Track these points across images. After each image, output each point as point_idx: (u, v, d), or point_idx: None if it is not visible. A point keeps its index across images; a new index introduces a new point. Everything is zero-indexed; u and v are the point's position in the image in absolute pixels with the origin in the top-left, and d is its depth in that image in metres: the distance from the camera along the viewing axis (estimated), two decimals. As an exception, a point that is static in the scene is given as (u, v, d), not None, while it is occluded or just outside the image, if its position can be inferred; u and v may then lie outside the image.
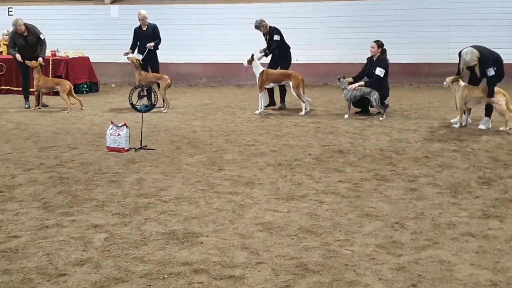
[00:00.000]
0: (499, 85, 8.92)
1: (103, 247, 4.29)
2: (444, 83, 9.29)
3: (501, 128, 8.46)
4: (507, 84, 12.16)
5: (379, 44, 10.23)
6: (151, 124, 9.50)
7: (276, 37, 11.12)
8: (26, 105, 11.61)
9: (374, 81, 10.04)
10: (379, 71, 10.01)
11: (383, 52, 10.27)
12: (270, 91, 11.37)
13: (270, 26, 11.23)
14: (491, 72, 8.63)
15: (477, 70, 8.81)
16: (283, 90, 11.17)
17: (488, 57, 8.69)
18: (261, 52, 11.28)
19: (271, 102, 11.46)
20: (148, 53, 11.55)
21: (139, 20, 11.65)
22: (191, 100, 12.84)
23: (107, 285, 3.68)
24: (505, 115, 8.54)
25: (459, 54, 8.94)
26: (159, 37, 11.72)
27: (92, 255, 4.13)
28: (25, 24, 11.25)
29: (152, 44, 11.48)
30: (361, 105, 10.43)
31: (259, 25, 11.19)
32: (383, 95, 10.21)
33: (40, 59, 11.34)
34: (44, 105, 11.73)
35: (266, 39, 11.35)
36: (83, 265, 3.96)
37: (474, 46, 8.77)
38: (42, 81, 11.34)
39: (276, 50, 11.20)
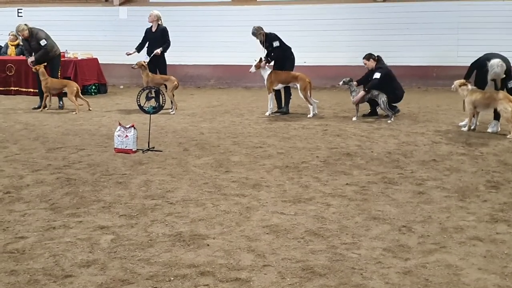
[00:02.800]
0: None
1: (110, 249, 4.29)
2: (452, 86, 9.27)
3: (508, 136, 8.41)
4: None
5: (367, 57, 10.32)
6: (158, 125, 9.51)
7: (276, 43, 10.91)
8: (38, 105, 11.65)
9: (372, 85, 10.04)
10: (375, 75, 10.09)
11: (378, 60, 10.31)
12: (279, 97, 11.28)
13: (266, 33, 10.99)
14: (511, 83, 8.80)
15: (498, 82, 8.85)
16: (288, 94, 11.10)
17: (510, 70, 8.76)
18: (264, 60, 11.06)
19: (280, 107, 11.39)
20: (155, 56, 11.52)
21: (150, 21, 11.64)
22: (199, 102, 12.86)
23: (113, 286, 3.68)
24: (510, 123, 8.47)
25: (478, 62, 8.89)
26: (167, 41, 11.62)
27: (98, 257, 4.14)
28: (30, 29, 11.28)
29: (158, 50, 11.44)
30: (371, 105, 10.46)
31: (257, 32, 10.92)
32: (398, 96, 10.20)
33: (31, 58, 11.44)
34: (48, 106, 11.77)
35: (264, 46, 11.11)
36: (89, 267, 3.96)
37: (495, 55, 8.76)
38: (50, 82, 11.38)
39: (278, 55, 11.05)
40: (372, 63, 10.31)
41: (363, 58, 10.47)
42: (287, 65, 11.03)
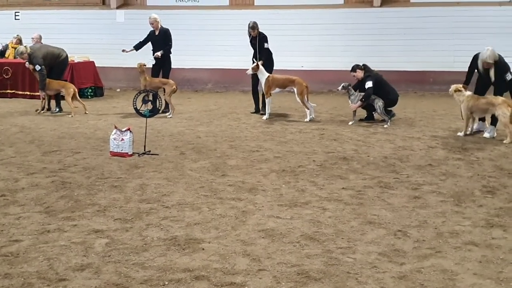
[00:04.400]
0: (506, 95, 8.96)
1: (104, 253, 4.27)
2: (450, 90, 9.27)
3: (504, 141, 8.42)
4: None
5: (354, 68, 10.43)
6: (155, 129, 9.49)
7: (266, 45, 11.21)
8: (57, 109, 11.75)
9: (367, 95, 10.07)
10: (367, 84, 10.11)
11: (365, 69, 10.35)
12: (257, 98, 11.56)
13: (260, 32, 11.26)
14: (509, 76, 8.81)
15: (492, 73, 8.89)
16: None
17: (505, 63, 8.85)
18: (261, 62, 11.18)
19: (257, 110, 11.58)
20: (159, 59, 11.55)
21: (150, 24, 11.67)
22: (196, 106, 12.85)
23: (107, 290, 3.67)
24: (508, 128, 8.48)
25: (473, 59, 8.99)
26: (169, 42, 11.66)
27: (92, 261, 4.12)
28: (29, 54, 11.28)
29: (159, 53, 11.46)
30: (368, 109, 10.47)
31: (255, 27, 11.15)
32: (391, 100, 10.21)
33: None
34: (49, 109, 11.77)
35: (254, 44, 11.32)
36: (84, 270, 3.95)
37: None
38: (47, 83, 11.36)
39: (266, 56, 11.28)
40: (360, 73, 10.37)
41: (351, 71, 10.51)
42: (269, 67, 11.17)
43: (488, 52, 8.69)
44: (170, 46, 11.71)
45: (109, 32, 16.44)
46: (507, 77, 8.81)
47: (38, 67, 11.22)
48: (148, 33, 11.83)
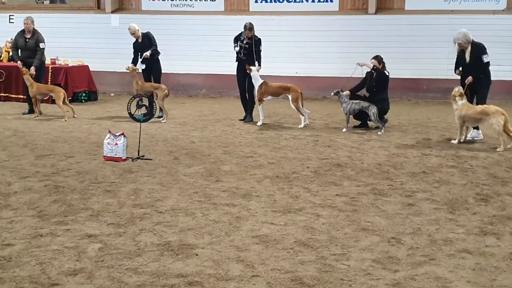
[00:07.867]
0: (499, 103, 9.00)
1: (97, 257, 4.26)
2: (453, 92, 9.24)
3: (498, 149, 8.44)
4: (505, 101, 12.23)
5: (379, 59, 10.29)
6: (149, 134, 9.47)
7: (261, 48, 11.20)
8: (27, 110, 11.76)
9: (371, 84, 10.17)
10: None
11: (383, 66, 10.32)
12: (247, 105, 11.53)
13: (255, 35, 11.16)
14: (487, 58, 9.09)
15: (467, 55, 9.16)
16: (251, 102, 11.21)
17: (482, 46, 9.09)
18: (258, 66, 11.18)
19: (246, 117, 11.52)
20: (148, 62, 11.55)
21: (131, 34, 11.66)
22: (190, 111, 12.83)
23: (100, 296, 3.65)
24: (501, 136, 8.50)
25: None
26: (154, 43, 11.68)
27: (85, 265, 4.10)
28: (34, 28, 11.55)
29: (147, 53, 11.46)
30: (361, 117, 10.46)
31: (251, 28, 11.01)
32: (384, 108, 10.24)
33: (32, 68, 11.48)
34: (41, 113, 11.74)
35: (245, 43, 11.12)
36: (76, 275, 3.93)
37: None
38: (36, 87, 11.33)
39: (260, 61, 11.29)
40: (379, 67, 10.27)
41: (375, 58, 10.37)
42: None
43: (460, 34, 9.10)
44: (156, 46, 11.70)
45: (104, 36, 16.39)
46: (484, 58, 9.07)
47: (42, 45, 11.67)
48: (132, 45, 11.82)
